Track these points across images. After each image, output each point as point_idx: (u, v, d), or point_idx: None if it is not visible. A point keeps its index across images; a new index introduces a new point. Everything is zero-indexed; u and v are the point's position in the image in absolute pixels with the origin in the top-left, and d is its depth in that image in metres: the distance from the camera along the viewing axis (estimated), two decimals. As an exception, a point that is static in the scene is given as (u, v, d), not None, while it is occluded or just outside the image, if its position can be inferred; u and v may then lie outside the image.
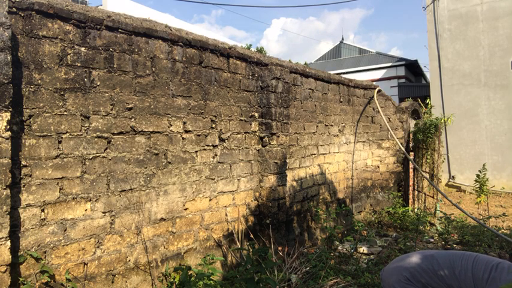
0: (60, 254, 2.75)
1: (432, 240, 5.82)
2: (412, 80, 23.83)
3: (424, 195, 7.64)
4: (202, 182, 3.87)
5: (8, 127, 2.35)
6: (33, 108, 2.62)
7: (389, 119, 7.38)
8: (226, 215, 4.17)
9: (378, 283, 3.83)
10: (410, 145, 7.68)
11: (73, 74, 2.84)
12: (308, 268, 3.92)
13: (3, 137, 2.33)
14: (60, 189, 2.76)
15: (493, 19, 10.96)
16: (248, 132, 4.46)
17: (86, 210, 2.91)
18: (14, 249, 2.47)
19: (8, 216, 2.35)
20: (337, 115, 6.24)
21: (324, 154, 5.92)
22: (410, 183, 7.56)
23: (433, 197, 7.45)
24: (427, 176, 7.49)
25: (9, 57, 2.36)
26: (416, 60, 22.21)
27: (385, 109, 7.37)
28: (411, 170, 7.60)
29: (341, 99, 6.35)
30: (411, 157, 7.48)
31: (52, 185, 2.71)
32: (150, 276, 3.33)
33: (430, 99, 12.12)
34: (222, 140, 4.10)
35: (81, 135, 2.89)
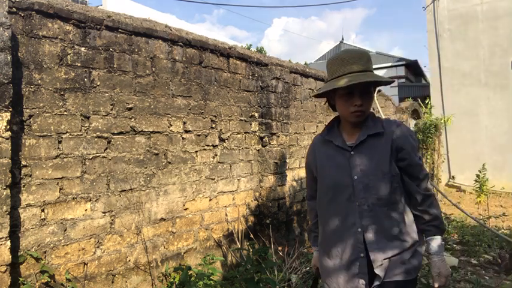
0: (60, 254, 2.75)
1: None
2: (412, 80, 23.82)
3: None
4: (202, 182, 3.87)
5: (8, 127, 2.35)
6: (33, 108, 2.62)
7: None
8: (226, 215, 4.16)
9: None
10: (411, 145, 7.66)
11: (73, 74, 2.84)
12: (308, 268, 3.92)
13: (3, 137, 2.33)
14: (60, 189, 2.76)
15: (493, 19, 10.96)
16: (248, 132, 4.46)
17: (86, 210, 2.91)
18: (14, 249, 2.46)
19: (8, 216, 2.35)
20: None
21: (324, 154, 5.92)
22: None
23: (433, 197, 7.43)
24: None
25: (9, 57, 2.36)
26: (416, 60, 22.19)
27: (385, 109, 7.37)
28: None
29: (341, 99, 6.35)
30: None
31: (52, 185, 2.71)
32: (150, 276, 3.33)
33: (430, 99, 12.12)
34: (222, 140, 4.10)
35: (81, 135, 2.89)
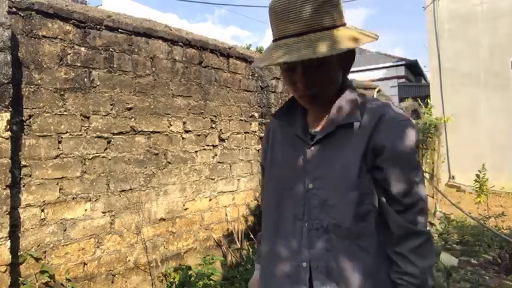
0: (60, 254, 2.75)
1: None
2: (412, 80, 23.81)
3: (424, 195, 7.61)
4: (202, 182, 3.87)
5: (8, 127, 2.35)
6: (33, 108, 2.62)
7: (389, 119, 7.37)
8: (226, 215, 4.17)
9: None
10: (410, 145, 7.65)
11: (73, 74, 2.84)
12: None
13: (3, 137, 2.33)
14: (60, 189, 2.76)
15: (493, 19, 10.96)
16: (248, 132, 4.47)
17: (85, 210, 2.91)
18: (14, 249, 2.46)
19: (8, 216, 2.35)
20: (337, 115, 6.24)
21: (324, 154, 5.92)
22: (410, 183, 7.53)
23: (433, 197, 7.45)
24: (427, 176, 7.49)
25: (9, 57, 2.36)
26: (416, 60, 22.19)
27: (385, 109, 7.37)
28: (411, 170, 7.57)
29: (341, 99, 6.35)
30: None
31: (52, 185, 2.71)
32: (150, 276, 3.33)
33: (430, 99, 12.12)
34: (222, 140, 4.10)
35: (81, 135, 2.89)
